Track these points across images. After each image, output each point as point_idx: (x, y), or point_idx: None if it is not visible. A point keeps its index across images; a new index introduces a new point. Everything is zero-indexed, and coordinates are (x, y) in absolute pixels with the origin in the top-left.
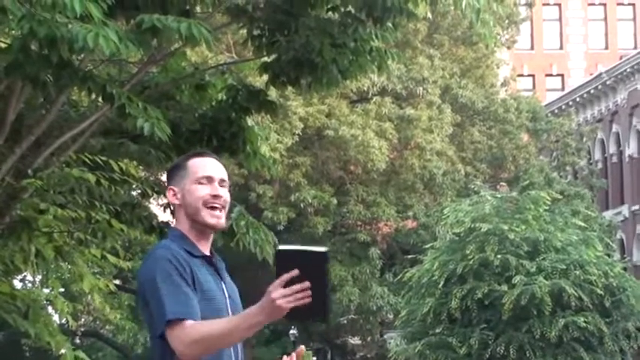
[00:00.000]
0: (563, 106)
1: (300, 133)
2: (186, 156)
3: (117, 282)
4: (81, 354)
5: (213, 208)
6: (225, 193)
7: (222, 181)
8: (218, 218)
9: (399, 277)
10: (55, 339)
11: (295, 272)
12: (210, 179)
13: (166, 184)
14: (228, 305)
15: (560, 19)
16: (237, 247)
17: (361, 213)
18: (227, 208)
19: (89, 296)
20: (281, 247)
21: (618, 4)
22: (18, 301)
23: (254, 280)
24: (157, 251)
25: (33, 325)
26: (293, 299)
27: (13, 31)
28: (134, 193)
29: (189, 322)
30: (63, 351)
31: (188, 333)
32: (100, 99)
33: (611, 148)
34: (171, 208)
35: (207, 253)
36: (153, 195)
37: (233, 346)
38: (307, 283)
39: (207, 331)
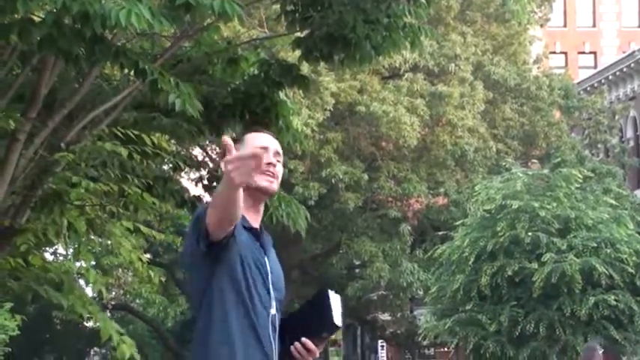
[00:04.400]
0: (596, 84)
1: (332, 109)
2: (243, 132)
3: (148, 256)
4: (115, 325)
5: (266, 172)
6: (278, 165)
7: (276, 153)
8: (270, 182)
9: (429, 253)
10: (89, 309)
11: None
12: (265, 149)
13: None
14: (270, 281)
15: None
16: (269, 222)
17: (392, 189)
18: (279, 179)
19: (120, 270)
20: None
21: None
22: (50, 274)
23: (283, 256)
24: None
25: (66, 297)
26: (242, 172)
27: (47, 6)
28: (165, 167)
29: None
30: (98, 323)
31: (202, 208)
32: (132, 74)
33: None
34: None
35: (256, 225)
36: (185, 169)
37: (271, 321)
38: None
39: (212, 198)
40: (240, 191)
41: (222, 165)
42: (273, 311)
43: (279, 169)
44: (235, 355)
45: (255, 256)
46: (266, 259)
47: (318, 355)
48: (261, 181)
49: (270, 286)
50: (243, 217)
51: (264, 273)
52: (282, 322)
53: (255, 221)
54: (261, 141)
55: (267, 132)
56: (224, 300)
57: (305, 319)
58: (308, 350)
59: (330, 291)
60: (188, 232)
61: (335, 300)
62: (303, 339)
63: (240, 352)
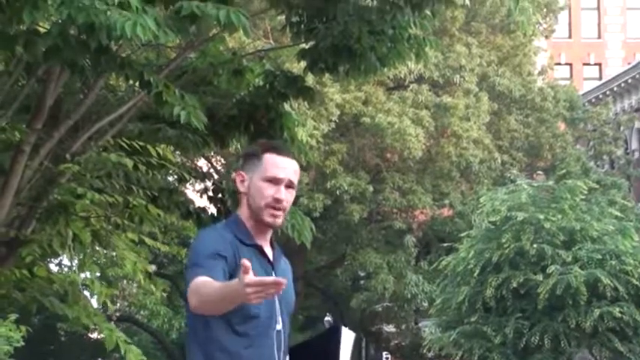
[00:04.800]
0: (601, 95)
1: (337, 120)
2: (264, 146)
3: (153, 267)
4: (120, 334)
5: (273, 208)
6: (288, 196)
7: (290, 182)
8: (275, 218)
9: (434, 265)
10: (93, 320)
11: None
12: (278, 181)
13: (239, 166)
14: (276, 296)
15: (598, 8)
16: (274, 233)
17: (397, 201)
18: (288, 208)
19: (125, 281)
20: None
21: None
22: (55, 285)
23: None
24: (203, 232)
25: (71, 308)
26: (260, 296)
27: (52, 17)
28: (170, 178)
29: (200, 278)
30: (102, 335)
31: (193, 285)
32: (137, 85)
33: None
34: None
35: (262, 242)
36: (190, 180)
37: (276, 337)
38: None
39: (204, 287)
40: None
41: (238, 285)
42: (279, 327)
43: (290, 199)
44: None
45: (258, 274)
46: (274, 274)
47: None
48: (267, 217)
49: (277, 301)
50: (247, 234)
51: None
52: (289, 350)
53: (261, 238)
54: (277, 170)
55: (287, 154)
56: (212, 320)
57: (313, 353)
58: None
59: (344, 328)
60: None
61: (347, 339)
62: None
63: None
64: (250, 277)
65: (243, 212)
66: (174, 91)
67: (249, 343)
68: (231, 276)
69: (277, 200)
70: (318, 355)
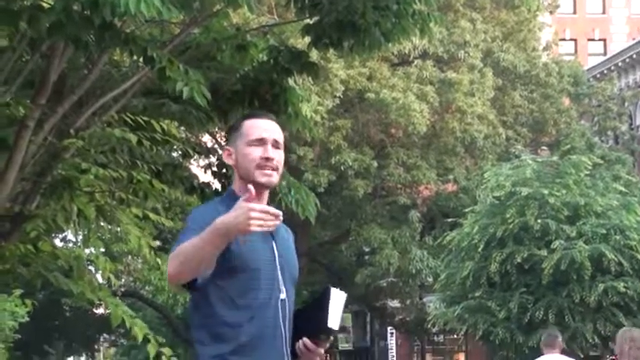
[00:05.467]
0: (605, 71)
1: (341, 96)
2: (242, 117)
3: (158, 243)
4: (126, 308)
5: (264, 168)
6: (278, 155)
7: (275, 142)
8: (269, 177)
9: (438, 240)
10: (98, 295)
11: None
12: (262, 141)
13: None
14: (277, 262)
15: None
16: (278, 208)
17: (401, 176)
18: (281, 169)
19: (129, 257)
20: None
21: None
22: (59, 260)
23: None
24: (196, 208)
25: (75, 283)
26: (262, 224)
27: None
28: (175, 154)
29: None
30: (108, 310)
31: (172, 253)
32: (141, 61)
33: None
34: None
35: None
36: (194, 155)
37: (281, 306)
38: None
39: (179, 248)
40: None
41: (237, 212)
42: (282, 296)
43: (279, 158)
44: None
45: (257, 244)
46: (273, 243)
47: (320, 355)
48: (260, 177)
49: (279, 270)
50: None
51: (269, 259)
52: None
53: None
54: (259, 131)
55: (266, 116)
56: (211, 294)
57: (307, 317)
58: (309, 350)
59: (333, 289)
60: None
61: (336, 300)
62: (304, 339)
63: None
64: (254, 204)
65: (236, 186)
66: (178, 66)
67: (252, 315)
68: (227, 249)
69: (266, 159)
70: (313, 318)
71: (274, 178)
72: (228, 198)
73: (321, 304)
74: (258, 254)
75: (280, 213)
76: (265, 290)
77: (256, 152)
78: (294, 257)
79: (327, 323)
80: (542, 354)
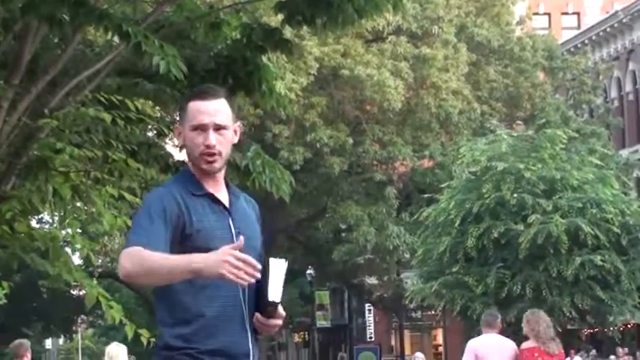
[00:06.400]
0: (579, 45)
1: (316, 73)
2: (188, 95)
3: None
4: (102, 290)
5: (206, 155)
6: (220, 139)
7: (217, 126)
8: (211, 163)
9: (415, 216)
10: (74, 276)
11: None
12: (203, 127)
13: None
14: (235, 240)
15: None
16: (252, 186)
17: (377, 152)
18: (225, 151)
19: (106, 237)
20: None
21: None
22: (36, 242)
23: (268, 220)
24: (151, 193)
25: (52, 264)
26: (236, 273)
27: None
28: (150, 133)
29: (137, 248)
30: (83, 291)
31: (133, 250)
32: (115, 38)
33: (628, 87)
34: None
35: (214, 189)
36: (169, 134)
37: (240, 291)
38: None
39: (149, 256)
40: None
41: (213, 256)
42: None
43: (223, 140)
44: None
45: (212, 223)
46: (230, 220)
47: (274, 328)
48: (203, 164)
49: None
50: (197, 185)
51: (226, 237)
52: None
53: (213, 185)
54: (200, 117)
55: (210, 96)
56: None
57: (256, 292)
58: (262, 323)
59: (271, 260)
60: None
61: (276, 270)
62: (256, 314)
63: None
64: (234, 255)
65: (190, 163)
66: (154, 41)
67: (211, 295)
68: (182, 232)
69: (207, 146)
70: (260, 292)
71: (216, 164)
72: (183, 176)
73: (262, 277)
74: (214, 234)
75: (259, 268)
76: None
77: (198, 139)
78: (254, 229)
79: (267, 297)
80: (482, 333)
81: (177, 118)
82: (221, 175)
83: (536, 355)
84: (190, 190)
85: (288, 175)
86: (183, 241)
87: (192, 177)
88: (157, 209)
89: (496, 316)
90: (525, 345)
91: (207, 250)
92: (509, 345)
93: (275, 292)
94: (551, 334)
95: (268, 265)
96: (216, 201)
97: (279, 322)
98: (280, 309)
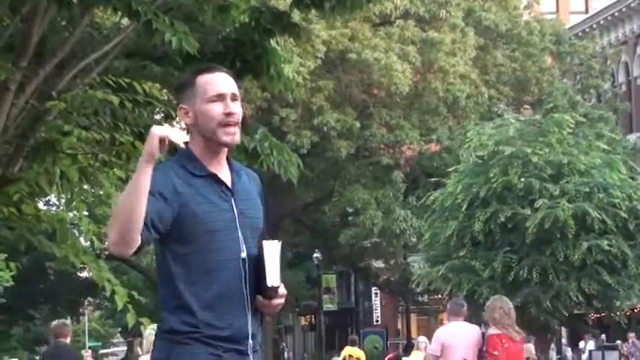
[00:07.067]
0: (587, 29)
1: (323, 57)
2: (193, 73)
3: None
4: (108, 274)
5: (227, 125)
6: (237, 109)
7: (233, 95)
8: (233, 135)
9: (422, 200)
10: (81, 258)
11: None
12: (222, 96)
13: (176, 102)
14: (237, 220)
15: None
16: (260, 168)
17: (384, 136)
18: (240, 124)
19: None
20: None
21: None
22: (43, 224)
23: (276, 202)
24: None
25: (59, 246)
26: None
27: None
28: (157, 116)
29: None
30: (90, 274)
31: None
32: (124, 20)
33: (635, 71)
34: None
35: (216, 169)
36: (176, 117)
37: (242, 266)
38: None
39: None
40: (147, 184)
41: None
42: (243, 255)
43: (239, 112)
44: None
45: (214, 205)
46: (232, 200)
47: (277, 307)
48: (223, 135)
49: (239, 229)
50: (198, 165)
51: (228, 218)
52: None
53: (216, 166)
54: (217, 87)
55: (218, 70)
56: (171, 263)
57: (256, 274)
58: (264, 305)
59: (265, 243)
60: None
61: (271, 252)
62: (257, 297)
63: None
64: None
65: (193, 145)
66: (164, 19)
67: (212, 278)
68: (181, 214)
69: (229, 114)
70: (260, 277)
71: (237, 136)
72: (185, 158)
73: (259, 262)
74: (215, 216)
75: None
76: (225, 252)
77: (217, 109)
78: (257, 208)
79: (267, 282)
80: (448, 321)
81: (177, 99)
82: (224, 154)
83: (503, 341)
84: (191, 171)
85: (295, 158)
86: (182, 224)
87: (193, 158)
88: (157, 185)
89: (462, 305)
90: (492, 331)
91: (208, 232)
92: (473, 331)
93: (273, 275)
94: (508, 321)
95: (262, 249)
96: (218, 181)
97: (281, 301)
98: (281, 288)
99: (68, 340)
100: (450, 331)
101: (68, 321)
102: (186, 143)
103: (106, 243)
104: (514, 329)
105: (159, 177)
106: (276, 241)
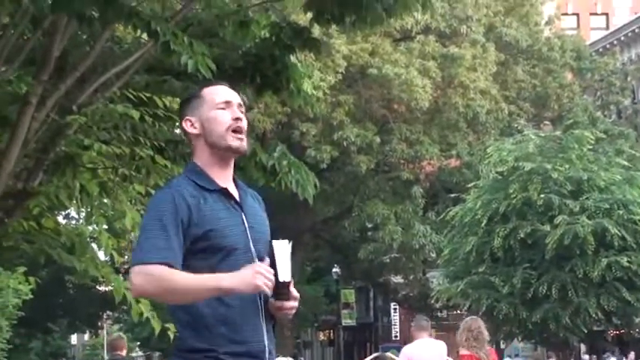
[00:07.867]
0: (608, 45)
1: (344, 72)
2: (198, 88)
3: None
4: (127, 284)
5: (236, 130)
6: (244, 119)
7: (240, 105)
8: (241, 141)
9: (441, 215)
10: (101, 272)
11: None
12: (229, 104)
13: (180, 117)
14: (249, 235)
15: None
16: (278, 187)
17: (404, 151)
18: (246, 133)
19: (132, 233)
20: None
21: None
22: (63, 237)
23: (295, 217)
24: (158, 196)
25: (78, 259)
26: (268, 284)
27: None
28: (177, 130)
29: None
30: (110, 287)
31: (144, 269)
32: (144, 35)
33: None
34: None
35: (226, 184)
36: None
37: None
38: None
39: (168, 275)
40: None
41: (242, 273)
42: None
43: (245, 123)
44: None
45: (226, 220)
46: (243, 215)
47: (290, 310)
48: (232, 140)
49: (251, 243)
50: (207, 180)
51: (240, 233)
52: None
53: (224, 180)
54: (224, 95)
55: (223, 84)
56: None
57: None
58: (278, 308)
59: (274, 242)
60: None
61: (281, 251)
62: (270, 300)
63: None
64: (264, 269)
65: (199, 158)
66: (183, 39)
67: (230, 299)
68: (194, 232)
69: (237, 119)
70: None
71: (245, 143)
72: (194, 173)
73: (271, 262)
74: (229, 230)
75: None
76: (241, 265)
77: (226, 115)
78: (265, 225)
79: (278, 278)
80: (414, 339)
81: (180, 114)
82: (231, 168)
83: None
84: (202, 186)
85: (312, 177)
86: (195, 240)
87: (202, 172)
88: (169, 216)
89: (427, 320)
90: (462, 352)
91: (221, 248)
92: (439, 346)
93: (284, 272)
94: (474, 343)
95: (273, 249)
96: (229, 196)
97: (295, 304)
98: (293, 290)
99: (124, 353)
100: (417, 347)
101: (123, 335)
102: (191, 158)
103: (126, 257)
104: (482, 351)
105: (173, 200)
106: (287, 240)
